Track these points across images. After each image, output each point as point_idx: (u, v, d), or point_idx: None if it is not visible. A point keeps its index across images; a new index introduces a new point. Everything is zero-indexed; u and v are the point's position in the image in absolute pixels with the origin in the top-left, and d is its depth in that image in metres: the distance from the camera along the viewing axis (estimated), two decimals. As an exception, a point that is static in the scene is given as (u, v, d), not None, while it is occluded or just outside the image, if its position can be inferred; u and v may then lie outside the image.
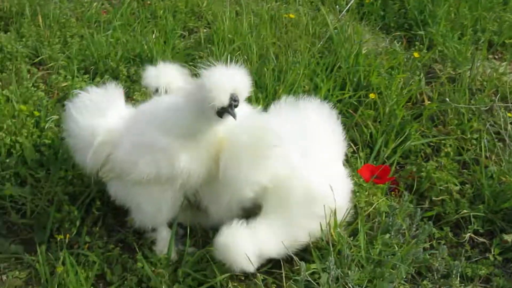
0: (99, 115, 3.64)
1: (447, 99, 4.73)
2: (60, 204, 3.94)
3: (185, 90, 3.40)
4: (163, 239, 3.76)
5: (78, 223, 3.86)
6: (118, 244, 3.84)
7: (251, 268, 3.40)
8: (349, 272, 3.46)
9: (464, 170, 4.43)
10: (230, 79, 3.22)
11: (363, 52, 5.13)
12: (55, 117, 4.57)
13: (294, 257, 3.52)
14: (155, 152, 3.42)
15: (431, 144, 4.64)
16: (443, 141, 4.58)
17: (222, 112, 3.24)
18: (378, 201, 3.97)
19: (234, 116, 3.22)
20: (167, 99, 3.63)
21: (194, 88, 3.31)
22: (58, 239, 3.62)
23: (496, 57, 5.74)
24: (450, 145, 4.54)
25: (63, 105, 4.57)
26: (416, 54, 5.17)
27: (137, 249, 3.73)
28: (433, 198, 4.20)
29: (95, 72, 5.18)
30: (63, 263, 3.52)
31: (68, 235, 3.71)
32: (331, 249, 3.57)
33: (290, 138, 3.44)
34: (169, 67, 4.10)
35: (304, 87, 4.82)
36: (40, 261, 3.52)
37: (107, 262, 3.70)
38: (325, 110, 3.79)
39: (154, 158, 3.42)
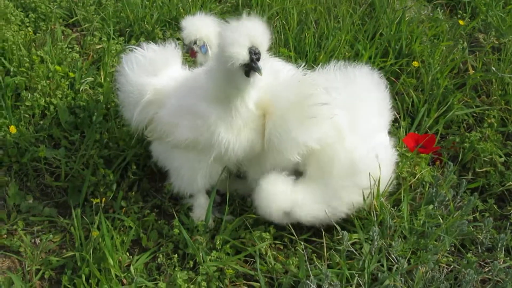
0: (151, 73, 3.59)
1: (493, 68, 4.56)
2: (95, 168, 3.88)
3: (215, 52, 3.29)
4: (200, 206, 3.69)
5: (113, 187, 3.80)
6: (154, 210, 3.77)
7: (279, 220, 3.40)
8: (392, 243, 3.36)
9: (508, 142, 4.28)
10: (244, 32, 3.03)
11: (406, 19, 4.95)
12: (90, 79, 4.49)
13: (336, 226, 3.42)
14: (195, 118, 3.32)
15: (474, 114, 4.50)
16: (486, 112, 4.43)
17: (248, 70, 3.10)
18: (421, 171, 3.84)
19: (259, 70, 3.06)
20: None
21: (218, 48, 3.18)
22: (94, 202, 3.53)
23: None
24: (494, 116, 4.40)
25: (98, 68, 4.52)
26: (461, 22, 5.00)
27: (174, 215, 3.65)
28: (477, 170, 4.07)
29: (130, 35, 5.08)
30: (98, 228, 3.45)
31: (104, 199, 3.63)
32: (374, 219, 3.47)
33: (339, 101, 3.32)
34: (207, 18, 3.98)
35: (345, 54, 4.67)
36: (74, 224, 3.44)
37: (142, 227, 3.65)
38: (374, 77, 3.67)
39: (193, 123, 3.33)
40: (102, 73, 4.55)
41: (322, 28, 4.82)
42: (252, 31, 3.04)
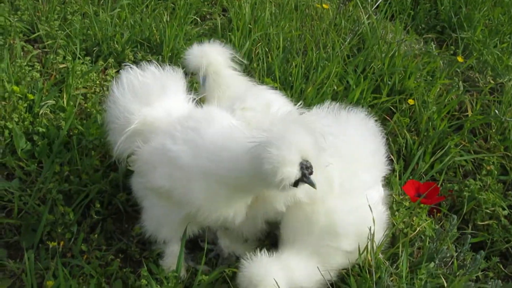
0: (143, 101, 3.20)
1: (496, 111, 4.23)
2: (53, 204, 3.45)
3: (249, 148, 2.72)
4: (173, 254, 3.27)
5: (73, 228, 3.37)
6: (119, 255, 3.35)
7: None
8: (394, 307, 2.96)
9: (510, 192, 3.94)
10: (293, 147, 2.59)
11: (400, 52, 4.61)
12: (51, 102, 4.06)
13: (328, 285, 3.01)
14: (176, 169, 2.92)
15: (472, 160, 4.14)
16: (486, 158, 4.08)
17: (297, 183, 2.67)
18: (419, 222, 3.46)
19: (313, 185, 2.67)
20: (219, 125, 2.99)
21: (257, 154, 2.66)
22: (50, 246, 3.12)
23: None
24: (493, 163, 4.05)
25: (60, 90, 4.09)
26: (460, 59, 4.67)
27: (142, 262, 3.24)
28: (478, 223, 3.70)
29: (97, 55, 4.65)
30: (54, 275, 3.06)
31: (62, 242, 3.21)
32: (369, 277, 3.08)
33: (332, 149, 2.90)
34: (213, 47, 3.60)
35: (334, 87, 4.30)
36: (26, 270, 3.03)
37: (105, 276, 3.22)
38: (369, 125, 3.27)
39: (172, 173, 2.94)
40: (65, 96, 4.12)
41: (310, 58, 4.44)
42: (302, 142, 2.62)
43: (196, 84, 3.75)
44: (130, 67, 3.31)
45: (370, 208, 2.97)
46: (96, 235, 3.36)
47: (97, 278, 3.10)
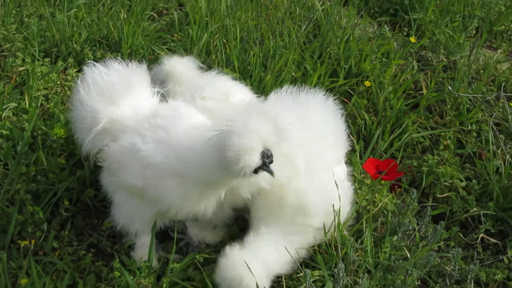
0: (108, 100, 3.19)
1: (450, 88, 4.35)
2: (21, 204, 3.46)
3: (211, 140, 2.79)
4: (144, 245, 3.31)
5: (43, 226, 3.40)
6: (90, 250, 3.40)
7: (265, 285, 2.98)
8: (359, 280, 3.06)
9: (466, 165, 4.07)
10: (254, 135, 2.66)
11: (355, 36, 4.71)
12: (13, 104, 4.07)
13: (297, 263, 3.10)
14: (147, 167, 2.96)
15: (429, 136, 4.25)
16: (442, 134, 4.20)
17: (257, 170, 2.74)
18: (381, 199, 3.57)
19: (271, 173, 2.74)
20: (186, 123, 3.03)
21: (219, 143, 2.73)
22: (22, 245, 3.15)
23: (485, 45, 5.38)
24: (450, 138, 4.17)
25: (21, 92, 4.11)
26: (412, 39, 4.78)
27: (114, 255, 3.29)
28: (437, 195, 3.82)
29: (56, 56, 4.67)
30: (27, 273, 3.09)
31: (33, 240, 3.23)
32: (336, 253, 3.18)
33: (294, 136, 2.98)
34: (182, 61, 3.71)
35: (292, 74, 4.38)
36: (0, 271, 3.04)
37: (78, 271, 3.26)
38: (329, 106, 3.34)
39: (143, 172, 2.98)
40: (26, 98, 4.14)
41: (267, 46, 4.51)
42: (264, 131, 2.68)
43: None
44: (94, 65, 3.29)
45: (336, 185, 3.06)
46: (66, 232, 3.39)
47: (70, 274, 3.13)
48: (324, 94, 3.36)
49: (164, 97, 3.38)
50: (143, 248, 3.29)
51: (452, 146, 4.12)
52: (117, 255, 3.28)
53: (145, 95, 3.29)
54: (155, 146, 2.94)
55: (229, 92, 3.37)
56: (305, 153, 3.08)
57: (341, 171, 3.31)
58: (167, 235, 3.45)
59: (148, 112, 3.13)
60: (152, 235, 3.22)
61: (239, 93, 3.37)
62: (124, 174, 3.07)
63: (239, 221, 3.48)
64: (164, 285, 3.08)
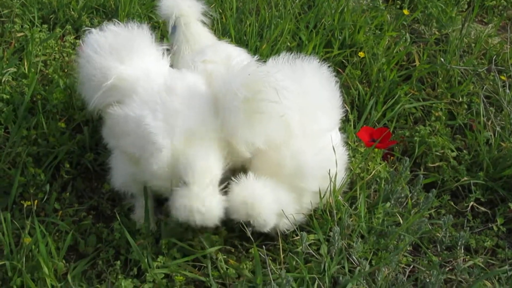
0: (117, 60, 3.23)
1: (442, 60, 4.43)
2: (23, 167, 3.52)
3: None
4: (142, 207, 3.36)
5: (45, 188, 3.46)
6: (91, 212, 3.48)
7: (271, 223, 3.10)
8: (353, 243, 3.16)
9: (457, 136, 4.17)
10: None
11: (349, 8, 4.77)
12: (12, 69, 4.11)
13: (294, 227, 3.19)
14: (150, 144, 3.03)
15: (421, 107, 4.34)
16: (434, 105, 4.29)
17: None
18: (374, 166, 3.66)
19: None
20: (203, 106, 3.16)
21: None
22: (25, 205, 3.20)
23: (476, 19, 5.46)
24: (441, 109, 4.26)
25: (20, 58, 4.14)
26: (405, 12, 4.85)
27: (114, 217, 3.35)
28: (429, 165, 3.92)
29: (54, 22, 4.70)
30: (30, 233, 3.14)
31: (36, 201, 3.28)
32: (331, 218, 3.28)
33: (289, 99, 3.03)
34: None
35: (287, 44, 4.44)
36: (3, 230, 3.10)
37: (79, 232, 3.33)
38: (324, 72, 3.40)
39: (145, 146, 3.05)
40: (25, 63, 4.17)
41: (263, 16, 4.57)
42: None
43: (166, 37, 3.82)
44: (94, 30, 3.35)
45: (334, 149, 3.14)
46: (67, 194, 3.46)
47: (72, 234, 3.20)
48: (319, 62, 3.41)
49: (171, 56, 3.43)
50: (142, 209, 3.34)
51: (444, 118, 4.21)
52: (117, 216, 3.32)
53: (152, 56, 3.33)
54: (164, 125, 3.01)
55: (230, 56, 3.43)
56: (300, 116, 3.14)
57: (336, 136, 3.37)
58: (165, 198, 3.51)
59: (160, 80, 3.17)
60: (146, 198, 3.28)
61: (239, 56, 3.43)
62: (124, 141, 3.14)
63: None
64: (163, 246, 3.16)
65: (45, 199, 3.42)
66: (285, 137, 3.10)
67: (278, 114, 2.99)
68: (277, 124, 3.03)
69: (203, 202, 2.97)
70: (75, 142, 3.67)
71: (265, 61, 3.24)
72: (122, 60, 3.22)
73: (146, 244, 3.15)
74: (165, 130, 3.01)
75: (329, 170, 3.16)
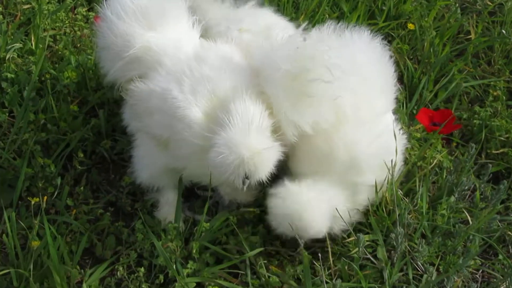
0: (145, 25, 2.81)
1: (504, 31, 3.95)
2: (30, 157, 3.10)
3: None
4: (168, 203, 2.97)
5: (56, 181, 3.05)
6: (108, 209, 3.04)
7: (324, 230, 2.67)
8: (418, 246, 2.70)
9: (520, 118, 3.68)
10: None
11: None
12: (17, 45, 3.66)
13: (349, 227, 2.74)
14: (177, 121, 2.60)
15: (476, 87, 3.86)
16: (492, 83, 3.81)
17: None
18: (432, 155, 3.20)
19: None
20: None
21: None
22: (32, 202, 2.78)
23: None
24: (500, 88, 3.78)
25: (27, 32, 3.72)
26: (457, -23, 4.36)
27: (135, 215, 2.96)
28: (492, 151, 3.44)
29: (65, -7, 4.22)
30: (39, 235, 2.75)
31: (45, 197, 2.86)
32: (387, 217, 2.84)
33: (342, 78, 2.57)
34: None
35: (326, 15, 3.96)
36: (7, 231, 2.71)
37: (95, 232, 2.92)
38: (377, 47, 2.92)
39: (172, 124, 2.64)
40: (32, 38, 3.72)
41: (299, -16, 4.09)
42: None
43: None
44: None
45: (394, 135, 2.71)
46: (81, 188, 3.05)
47: (87, 235, 2.80)
48: (370, 34, 2.95)
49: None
50: (168, 206, 2.96)
51: (504, 97, 3.73)
52: (139, 214, 2.93)
53: (184, 25, 2.89)
54: (193, 97, 2.59)
55: (271, 26, 2.99)
56: (353, 98, 2.69)
57: (391, 119, 2.93)
58: (193, 192, 3.08)
59: (190, 51, 2.76)
60: (179, 192, 2.87)
61: (281, 29, 2.97)
62: (149, 121, 2.73)
63: (273, 181, 3.11)
64: (194, 250, 2.73)
65: (55, 194, 3.02)
66: (336, 122, 2.64)
67: (330, 96, 2.54)
68: (328, 107, 2.58)
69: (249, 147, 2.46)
70: (89, 128, 3.25)
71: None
72: (150, 26, 2.80)
73: (174, 248, 2.71)
74: (194, 102, 2.60)
75: (388, 160, 2.71)
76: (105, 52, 2.92)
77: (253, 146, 2.43)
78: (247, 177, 2.45)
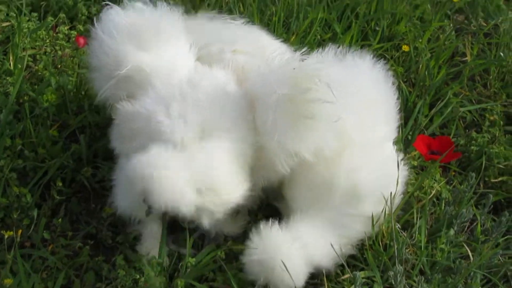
0: (137, 45, 2.69)
1: (502, 54, 3.84)
2: (5, 185, 2.93)
3: None
4: (151, 235, 2.80)
5: (33, 212, 2.87)
6: (88, 242, 2.84)
7: (300, 282, 2.49)
8: (418, 285, 2.55)
9: (517, 143, 3.56)
10: None
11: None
12: (-6, 63, 3.50)
13: (344, 263, 2.60)
14: (159, 138, 2.49)
15: (472, 111, 3.73)
16: (488, 107, 3.69)
17: None
18: (429, 183, 3.06)
19: None
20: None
21: None
22: (6, 236, 2.63)
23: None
24: (497, 112, 3.65)
25: (5, 51, 3.61)
26: (455, -2, 4.24)
27: (116, 249, 2.80)
28: (491, 180, 3.31)
29: (45, 11, 4.08)
30: (12, 271, 2.58)
31: (20, 230, 2.71)
32: (383, 252, 2.69)
33: (344, 99, 2.43)
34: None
35: (317, 36, 3.84)
36: None
37: (73, 268, 2.73)
38: (379, 71, 2.83)
39: None
40: (11, 57, 3.57)
41: (290, 5, 3.95)
42: None
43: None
44: (111, 6, 2.80)
45: (398, 163, 2.62)
46: (59, 220, 2.86)
47: (65, 272, 2.62)
48: (373, 58, 2.83)
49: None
50: (151, 239, 2.78)
51: (501, 122, 3.60)
52: (120, 248, 2.79)
53: (180, 47, 2.78)
54: (181, 124, 2.48)
55: (266, 47, 2.88)
56: (357, 121, 2.58)
57: (393, 147, 2.82)
58: (178, 224, 2.91)
59: (183, 75, 2.65)
60: (163, 223, 2.69)
61: (276, 47, 2.88)
62: (131, 144, 2.59)
63: (263, 208, 2.96)
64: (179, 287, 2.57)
65: (31, 226, 2.84)
66: (338, 147, 2.51)
67: (331, 118, 2.40)
68: (330, 130, 2.45)
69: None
70: (69, 154, 3.08)
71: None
72: (143, 46, 2.68)
73: (159, 285, 2.54)
74: (180, 127, 2.49)
75: (388, 190, 2.62)
76: (96, 71, 2.81)
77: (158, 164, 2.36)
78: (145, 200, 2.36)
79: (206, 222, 2.66)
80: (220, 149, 2.49)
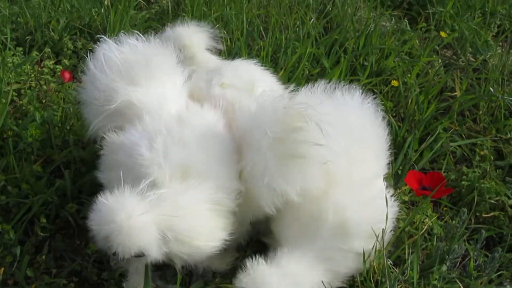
0: (128, 80, 2.68)
1: (491, 89, 3.84)
2: (-13, 222, 2.87)
3: None
4: (137, 272, 2.72)
5: (16, 249, 2.80)
6: (72, 279, 2.79)
7: None
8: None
9: (508, 178, 3.53)
10: None
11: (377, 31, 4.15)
12: (-21, 99, 3.45)
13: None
14: (138, 172, 2.45)
15: (462, 145, 3.72)
16: (478, 142, 3.67)
17: None
18: (420, 219, 3.03)
19: None
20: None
21: None
22: (-12, 274, 2.55)
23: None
24: (487, 147, 3.64)
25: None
26: (443, 34, 4.23)
27: (102, 286, 2.74)
28: (482, 215, 3.27)
29: (30, 44, 4.10)
30: None
31: (2, 269, 2.65)
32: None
33: (334, 138, 2.40)
34: (190, 29, 3.20)
35: (306, 71, 3.82)
36: None
37: (57, 306, 2.66)
38: (370, 108, 2.81)
39: (135, 178, 2.43)
40: (-5, 92, 3.53)
41: (278, 39, 3.93)
42: None
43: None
44: (105, 40, 2.78)
45: (386, 200, 2.56)
46: (43, 257, 2.82)
47: (48, 310, 2.55)
48: (363, 94, 2.81)
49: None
50: (137, 276, 2.71)
51: (491, 157, 3.59)
52: (106, 285, 2.72)
53: (173, 82, 2.76)
54: (162, 160, 2.44)
55: (255, 80, 2.85)
56: (345, 161, 2.55)
57: (384, 183, 2.78)
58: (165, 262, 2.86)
59: (173, 111, 2.64)
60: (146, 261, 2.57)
61: (266, 82, 2.87)
62: (113, 175, 2.54)
63: (252, 244, 2.91)
64: (166, 327, 2.51)
65: (14, 264, 2.77)
66: (326, 186, 2.49)
67: (320, 159, 2.37)
68: (317, 171, 2.42)
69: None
70: (53, 190, 3.03)
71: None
72: (134, 81, 2.67)
73: (145, 325, 2.47)
74: (160, 162, 2.44)
75: (379, 227, 2.57)
76: (87, 106, 2.80)
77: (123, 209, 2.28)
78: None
79: (179, 265, 2.61)
80: (196, 195, 2.43)
